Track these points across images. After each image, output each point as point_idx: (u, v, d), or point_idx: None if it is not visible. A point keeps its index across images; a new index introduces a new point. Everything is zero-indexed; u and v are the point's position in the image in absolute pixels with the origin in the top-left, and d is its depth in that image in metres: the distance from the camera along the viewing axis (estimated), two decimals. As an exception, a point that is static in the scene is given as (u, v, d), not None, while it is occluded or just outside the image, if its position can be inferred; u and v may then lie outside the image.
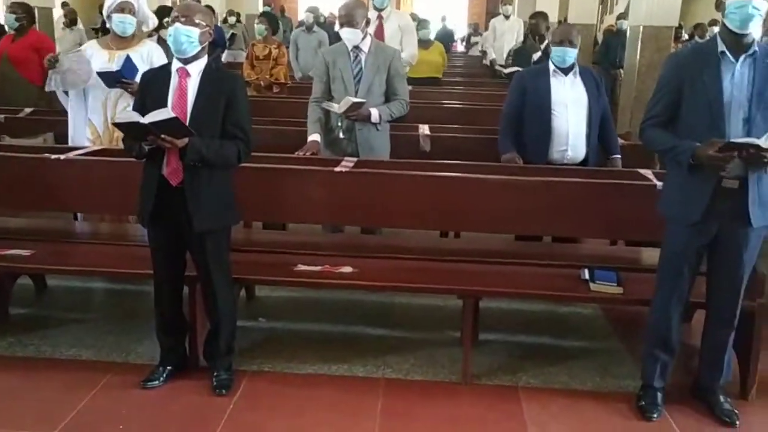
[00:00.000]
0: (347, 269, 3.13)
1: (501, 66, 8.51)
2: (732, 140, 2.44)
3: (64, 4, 12.76)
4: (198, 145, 2.50)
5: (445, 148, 4.52)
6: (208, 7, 10.43)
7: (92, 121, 3.91)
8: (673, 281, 2.72)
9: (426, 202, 3.33)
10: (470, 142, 4.54)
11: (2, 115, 4.76)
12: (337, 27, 10.92)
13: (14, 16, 5.45)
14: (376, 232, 3.91)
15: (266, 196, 3.35)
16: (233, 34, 10.56)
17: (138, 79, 3.66)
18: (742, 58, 2.52)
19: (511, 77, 5.80)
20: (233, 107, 2.63)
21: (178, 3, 4.06)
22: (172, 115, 2.41)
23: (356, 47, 3.83)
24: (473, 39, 14.88)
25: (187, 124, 2.55)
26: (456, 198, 3.31)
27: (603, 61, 9.92)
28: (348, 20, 3.76)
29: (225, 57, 10.19)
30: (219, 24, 10.97)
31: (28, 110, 5.04)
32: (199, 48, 2.62)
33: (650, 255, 3.36)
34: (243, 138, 2.66)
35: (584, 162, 3.81)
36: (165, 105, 2.56)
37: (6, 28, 5.79)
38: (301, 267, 3.14)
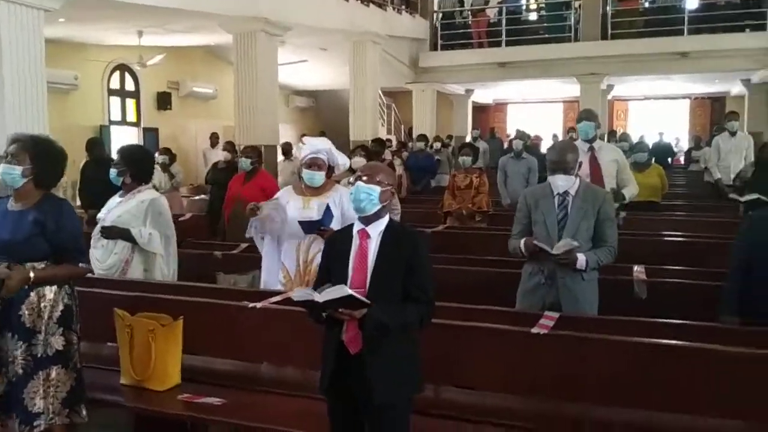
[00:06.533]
0: (543, 450, 2.70)
1: (730, 187, 7.65)
2: None
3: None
4: (377, 316, 2.34)
5: (664, 296, 3.99)
6: (423, 136, 10.96)
7: (285, 264, 4.00)
8: None
9: (640, 375, 2.82)
10: (696, 291, 3.93)
11: (220, 252, 5.12)
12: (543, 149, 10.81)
13: (249, 160, 6.03)
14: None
15: (450, 355, 3.09)
16: (438, 160, 10.81)
17: (333, 225, 3.76)
18: None
19: (750, 207, 5.10)
20: (415, 268, 2.46)
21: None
22: (347, 293, 2.30)
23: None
24: (694, 154, 13.79)
25: (367, 287, 2.44)
26: (676, 372, 2.77)
27: None
28: (561, 166, 3.52)
29: (434, 181, 10.40)
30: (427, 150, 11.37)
31: (243, 246, 5.37)
32: (380, 207, 2.53)
33: None
34: (425, 301, 2.47)
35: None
36: (347, 268, 2.49)
37: (239, 169, 6.38)
38: (489, 443, 2.78)
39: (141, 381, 3.42)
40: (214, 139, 11.73)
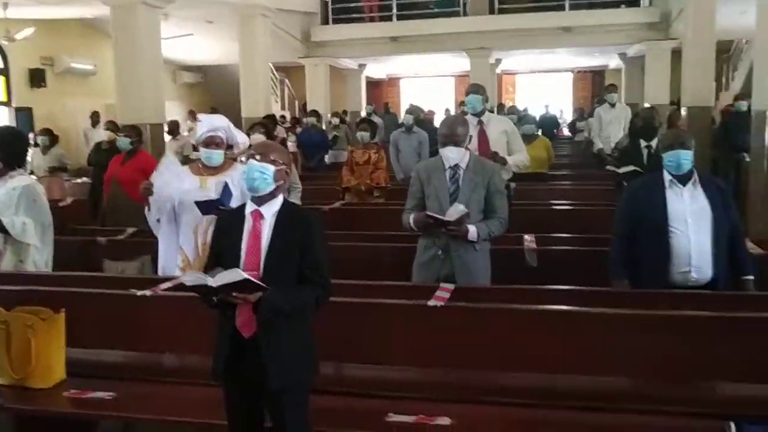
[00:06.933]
0: (445, 421, 2.75)
1: (611, 157, 8.04)
2: None
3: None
4: (272, 300, 2.29)
5: (554, 263, 4.15)
6: (314, 112, 10.86)
7: (183, 248, 3.84)
8: None
9: (533, 340, 2.93)
10: (584, 256, 4.12)
11: (104, 238, 4.85)
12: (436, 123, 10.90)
13: (128, 140, 5.71)
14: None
15: (350, 332, 3.08)
16: (335, 136, 10.73)
17: (233, 204, 3.64)
18: None
19: (626, 178, 5.36)
20: (310, 249, 2.41)
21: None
22: (242, 277, 2.22)
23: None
24: (578, 124, 14.46)
25: (261, 269, 2.37)
26: (569, 335, 2.90)
27: (722, 144, 9.22)
28: (452, 139, 3.56)
29: (328, 158, 10.33)
30: (323, 126, 11.27)
31: (130, 230, 5.11)
32: (274, 186, 2.46)
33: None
34: (321, 282, 2.43)
35: (713, 282, 3.30)
36: (239, 251, 2.41)
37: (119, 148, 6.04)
38: (393, 417, 2.79)
39: (22, 380, 3.19)
40: (95, 118, 11.11)
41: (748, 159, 7.28)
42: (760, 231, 5.61)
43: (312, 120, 10.40)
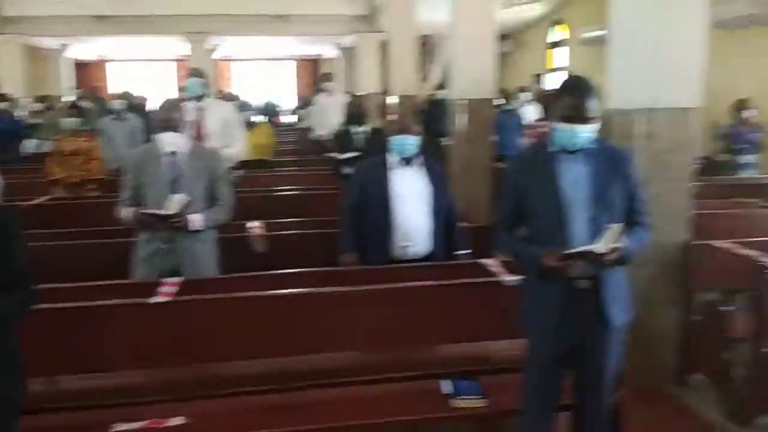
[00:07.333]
0: (178, 421, 2.64)
1: (329, 143, 8.38)
2: (568, 251, 2.32)
3: None
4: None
5: (283, 247, 4.21)
6: (1, 96, 9.51)
7: None
8: (540, 392, 2.55)
9: (265, 325, 2.94)
10: (308, 239, 4.24)
11: None
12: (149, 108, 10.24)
13: None
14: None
15: (65, 341, 2.79)
16: (38, 123, 9.55)
17: None
18: (578, 155, 2.44)
19: (348, 163, 5.62)
20: (7, 252, 2.10)
21: None
22: None
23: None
24: (300, 112, 14.85)
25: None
26: (295, 317, 2.96)
27: (427, 130, 10.14)
28: (169, 124, 3.41)
29: (27, 149, 9.12)
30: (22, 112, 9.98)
31: None
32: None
33: (504, 347, 3.18)
34: (24, 284, 2.14)
35: (431, 256, 3.62)
36: None
37: None
38: (119, 427, 2.60)
39: None
40: None
41: (449, 143, 8.10)
42: (461, 208, 6.29)
43: (2, 105, 9.14)
